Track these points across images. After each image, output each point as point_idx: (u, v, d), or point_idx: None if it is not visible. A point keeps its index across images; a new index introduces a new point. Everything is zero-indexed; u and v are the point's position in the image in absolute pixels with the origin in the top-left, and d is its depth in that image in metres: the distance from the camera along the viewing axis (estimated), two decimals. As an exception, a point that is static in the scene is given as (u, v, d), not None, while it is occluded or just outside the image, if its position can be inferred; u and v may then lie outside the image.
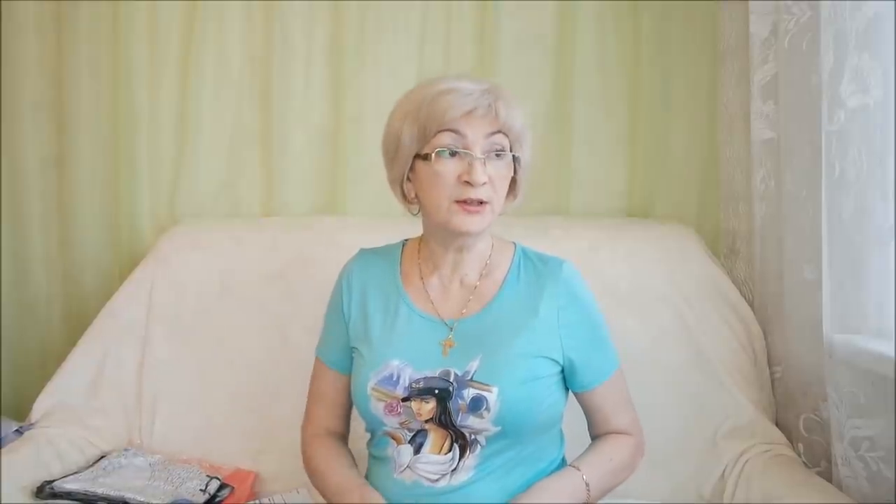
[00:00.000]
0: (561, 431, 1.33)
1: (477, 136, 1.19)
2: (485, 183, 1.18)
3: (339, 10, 1.86)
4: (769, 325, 1.63)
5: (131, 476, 1.47)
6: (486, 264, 1.30)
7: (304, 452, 1.35)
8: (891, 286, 1.27)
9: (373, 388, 1.22)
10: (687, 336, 1.62)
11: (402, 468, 1.21)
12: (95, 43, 1.87)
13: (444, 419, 1.19)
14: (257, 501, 1.50)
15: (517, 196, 1.28)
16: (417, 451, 1.21)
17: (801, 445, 1.52)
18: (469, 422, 1.18)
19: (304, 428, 1.37)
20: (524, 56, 1.87)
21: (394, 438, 1.23)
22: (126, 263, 1.87)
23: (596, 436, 1.32)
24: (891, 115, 1.24)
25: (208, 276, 1.69)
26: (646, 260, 1.67)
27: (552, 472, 1.25)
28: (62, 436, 1.53)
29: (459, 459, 1.20)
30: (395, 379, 1.21)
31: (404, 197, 1.27)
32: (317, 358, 1.36)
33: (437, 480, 1.19)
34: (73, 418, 1.58)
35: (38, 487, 1.39)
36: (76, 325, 1.83)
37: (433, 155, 1.19)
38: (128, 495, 1.39)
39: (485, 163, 1.18)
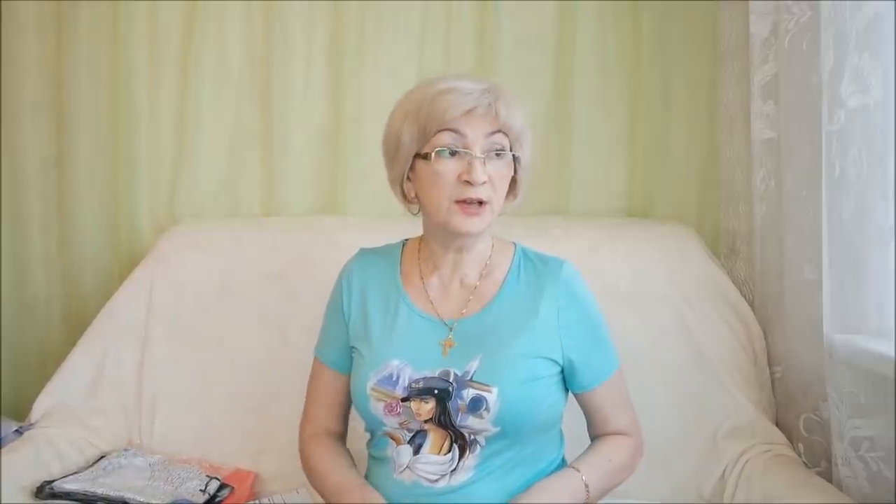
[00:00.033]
0: (561, 432, 1.33)
1: (477, 136, 1.19)
2: (484, 182, 1.18)
3: (339, 10, 1.86)
4: (769, 325, 1.63)
5: (131, 476, 1.47)
6: (487, 264, 1.29)
7: (302, 452, 1.35)
8: (891, 286, 1.27)
9: (372, 388, 1.22)
10: (687, 336, 1.61)
11: (402, 468, 1.21)
12: (95, 43, 1.87)
13: (443, 419, 1.19)
14: (257, 501, 1.50)
15: (517, 196, 1.28)
16: (417, 451, 1.21)
17: (801, 445, 1.52)
18: (468, 422, 1.18)
19: (302, 428, 1.37)
20: (524, 56, 1.87)
21: (393, 439, 1.23)
22: (126, 263, 1.86)
23: (595, 436, 1.32)
24: (891, 115, 1.24)
25: (208, 276, 1.69)
26: (646, 260, 1.67)
27: (552, 472, 1.25)
28: (62, 436, 1.53)
29: (459, 460, 1.20)
30: (394, 379, 1.21)
31: (404, 197, 1.27)
32: (315, 358, 1.36)
33: (436, 481, 1.19)
34: (72, 418, 1.58)
35: (37, 487, 1.39)
36: (76, 326, 1.83)
37: (433, 154, 1.19)
38: (128, 495, 1.39)
39: (484, 162, 1.18)
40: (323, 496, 1.28)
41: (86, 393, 1.62)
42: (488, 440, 1.20)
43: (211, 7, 1.87)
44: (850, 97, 1.27)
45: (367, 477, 1.28)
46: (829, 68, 1.28)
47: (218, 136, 1.90)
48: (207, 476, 1.50)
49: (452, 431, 1.20)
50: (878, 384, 1.23)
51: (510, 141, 1.22)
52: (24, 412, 1.63)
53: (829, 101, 1.29)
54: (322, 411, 1.35)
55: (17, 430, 1.55)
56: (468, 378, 1.19)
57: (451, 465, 1.20)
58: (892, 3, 1.23)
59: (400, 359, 1.23)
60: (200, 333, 1.66)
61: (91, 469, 1.47)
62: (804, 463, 1.50)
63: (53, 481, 1.40)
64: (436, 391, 1.19)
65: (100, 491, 1.39)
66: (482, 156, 1.18)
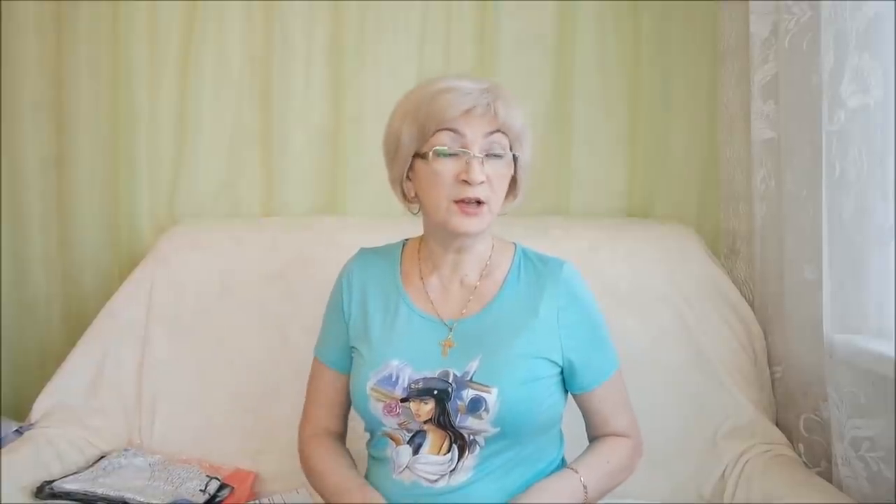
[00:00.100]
0: (560, 432, 1.33)
1: (475, 135, 1.18)
2: (482, 182, 1.18)
3: (339, 10, 1.86)
4: (769, 325, 1.63)
5: (131, 476, 1.47)
6: (487, 265, 1.29)
7: (301, 452, 1.35)
8: (891, 286, 1.27)
9: (372, 388, 1.22)
10: (687, 336, 1.61)
11: (401, 469, 1.21)
12: (95, 43, 1.87)
13: (442, 420, 1.19)
14: (257, 501, 1.50)
15: (517, 196, 1.28)
16: (416, 451, 1.21)
17: (801, 445, 1.52)
18: (468, 423, 1.18)
19: (301, 428, 1.36)
20: (524, 56, 1.87)
21: (393, 439, 1.23)
22: (126, 263, 1.86)
23: (594, 437, 1.32)
24: (891, 115, 1.24)
25: (208, 276, 1.69)
26: (646, 260, 1.67)
27: (551, 472, 1.25)
28: (62, 436, 1.53)
29: (458, 460, 1.20)
30: (394, 379, 1.21)
31: (404, 196, 1.27)
32: (315, 358, 1.36)
33: (435, 481, 1.19)
34: (72, 418, 1.58)
35: (37, 487, 1.39)
36: (76, 326, 1.83)
37: (431, 154, 1.19)
38: (128, 495, 1.39)
39: (483, 162, 1.18)
40: (323, 496, 1.28)
41: (86, 393, 1.62)
42: (488, 441, 1.20)
43: (211, 7, 1.87)
44: (850, 97, 1.27)
45: (366, 477, 1.28)
46: (830, 68, 1.28)
47: (218, 136, 1.90)
48: (207, 476, 1.50)
49: (452, 432, 1.19)
50: (878, 384, 1.23)
51: (509, 141, 1.22)
52: (24, 412, 1.63)
53: (829, 101, 1.29)
54: (322, 411, 1.34)
55: (17, 430, 1.55)
56: (468, 378, 1.19)
57: (450, 466, 1.19)
58: (892, 3, 1.23)
59: (400, 359, 1.23)
60: (200, 333, 1.66)
61: (91, 469, 1.47)
62: (804, 463, 1.50)
63: (53, 481, 1.40)
64: (435, 392, 1.19)
65: (100, 491, 1.39)
66: (480, 155, 1.18)
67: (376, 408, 1.21)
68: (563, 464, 1.30)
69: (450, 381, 1.19)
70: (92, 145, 1.90)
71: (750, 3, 1.56)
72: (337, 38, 1.87)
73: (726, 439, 1.55)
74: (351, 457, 1.32)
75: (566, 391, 1.29)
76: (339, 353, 1.32)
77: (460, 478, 1.19)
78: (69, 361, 1.65)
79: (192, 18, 1.87)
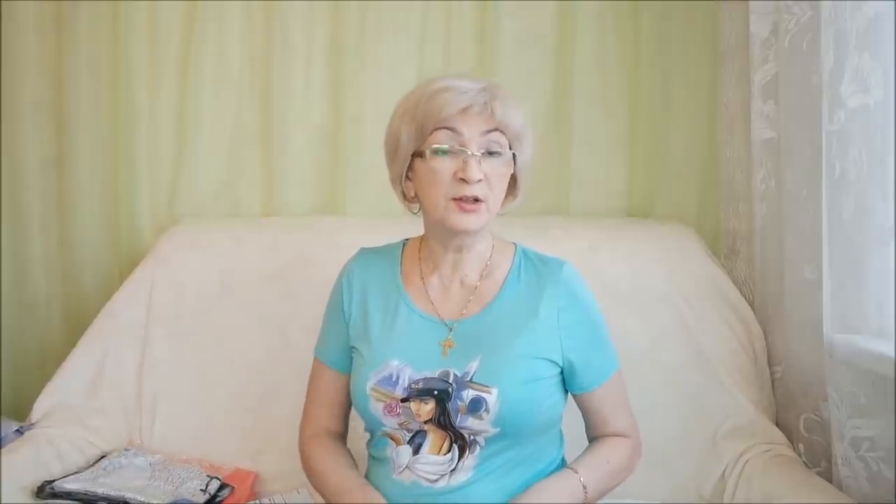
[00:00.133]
0: (560, 432, 1.33)
1: (473, 134, 1.19)
2: (480, 180, 1.18)
3: (339, 10, 1.86)
4: (769, 325, 1.63)
5: (131, 476, 1.47)
6: (487, 265, 1.29)
7: (302, 452, 1.35)
8: (891, 286, 1.27)
9: (372, 389, 1.22)
10: (687, 336, 1.61)
11: (401, 469, 1.21)
12: (95, 43, 1.87)
13: (443, 420, 1.19)
14: (257, 501, 1.50)
15: (517, 196, 1.28)
16: (416, 451, 1.21)
17: (801, 445, 1.52)
18: (468, 423, 1.18)
19: (302, 428, 1.36)
20: (524, 56, 1.87)
21: (393, 439, 1.23)
22: (126, 263, 1.87)
23: (593, 438, 1.32)
24: (891, 115, 1.24)
25: (208, 276, 1.69)
26: (646, 260, 1.67)
27: (552, 472, 1.25)
28: (62, 436, 1.53)
29: (458, 460, 1.20)
30: (394, 379, 1.21)
31: (404, 196, 1.27)
32: (315, 357, 1.36)
33: (436, 481, 1.19)
34: (72, 418, 1.58)
35: (38, 487, 1.39)
36: (76, 326, 1.83)
37: (429, 152, 1.19)
38: (128, 495, 1.39)
39: (480, 160, 1.18)
40: (323, 496, 1.28)
41: (86, 393, 1.62)
42: (488, 441, 1.20)
43: (211, 7, 1.87)
44: (850, 97, 1.27)
45: (366, 477, 1.28)
46: (829, 68, 1.28)
47: (218, 136, 1.90)
48: (208, 476, 1.50)
49: (452, 432, 1.20)
50: (878, 384, 1.23)
51: (508, 139, 1.22)
52: (25, 412, 1.63)
53: (829, 101, 1.29)
54: (322, 411, 1.35)
55: (17, 430, 1.55)
56: (468, 379, 1.19)
57: (450, 466, 1.20)
58: (892, 3, 1.23)
59: (400, 359, 1.23)
60: (200, 333, 1.66)
61: (91, 469, 1.48)
62: (804, 463, 1.50)
63: (54, 481, 1.40)
64: (435, 392, 1.19)
65: (100, 491, 1.39)
66: (478, 153, 1.18)
67: (376, 408, 1.22)
68: (563, 464, 1.30)
69: (450, 381, 1.20)
70: (92, 145, 1.90)
71: (750, 3, 1.56)
72: (337, 38, 1.87)
73: (726, 439, 1.55)
74: (351, 457, 1.32)
75: (566, 391, 1.29)
76: (340, 353, 1.32)
77: (460, 478, 1.19)
78: (69, 361, 1.65)
79: (192, 18, 1.87)
